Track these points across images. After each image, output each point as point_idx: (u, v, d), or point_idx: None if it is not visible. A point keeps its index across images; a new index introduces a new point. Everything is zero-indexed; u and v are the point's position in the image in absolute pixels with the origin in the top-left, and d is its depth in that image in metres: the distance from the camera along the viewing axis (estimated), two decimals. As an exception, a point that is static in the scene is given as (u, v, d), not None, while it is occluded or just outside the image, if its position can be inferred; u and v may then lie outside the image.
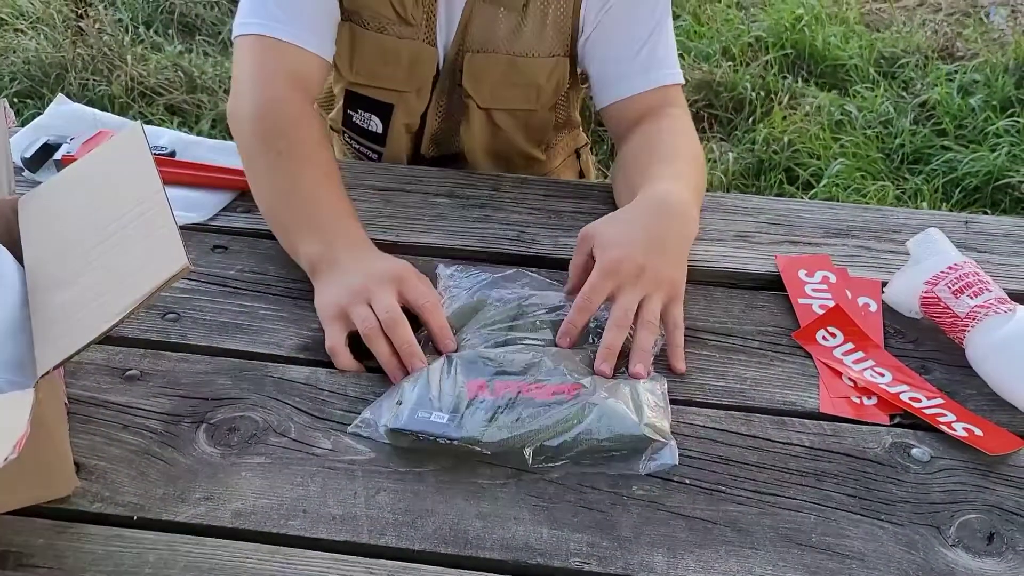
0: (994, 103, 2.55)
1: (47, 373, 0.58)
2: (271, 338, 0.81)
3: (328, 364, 0.78)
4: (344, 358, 0.77)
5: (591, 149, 1.35)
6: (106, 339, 0.60)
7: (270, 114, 0.92)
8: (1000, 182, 2.28)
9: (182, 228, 0.64)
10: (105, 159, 0.75)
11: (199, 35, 3.00)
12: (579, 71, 1.11)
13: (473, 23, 1.03)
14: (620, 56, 1.03)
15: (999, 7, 3.33)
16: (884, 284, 0.87)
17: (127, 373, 0.76)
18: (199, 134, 2.44)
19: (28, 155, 0.99)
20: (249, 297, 0.86)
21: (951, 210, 2.23)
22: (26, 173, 1.00)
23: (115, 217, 0.67)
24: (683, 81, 1.06)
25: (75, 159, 0.98)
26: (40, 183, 0.98)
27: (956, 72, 2.76)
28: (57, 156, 0.99)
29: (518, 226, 0.98)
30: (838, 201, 2.23)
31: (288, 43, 0.95)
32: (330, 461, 0.69)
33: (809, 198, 2.29)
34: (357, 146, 1.18)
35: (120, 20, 2.91)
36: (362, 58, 1.06)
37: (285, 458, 0.69)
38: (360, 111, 1.13)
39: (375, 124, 1.13)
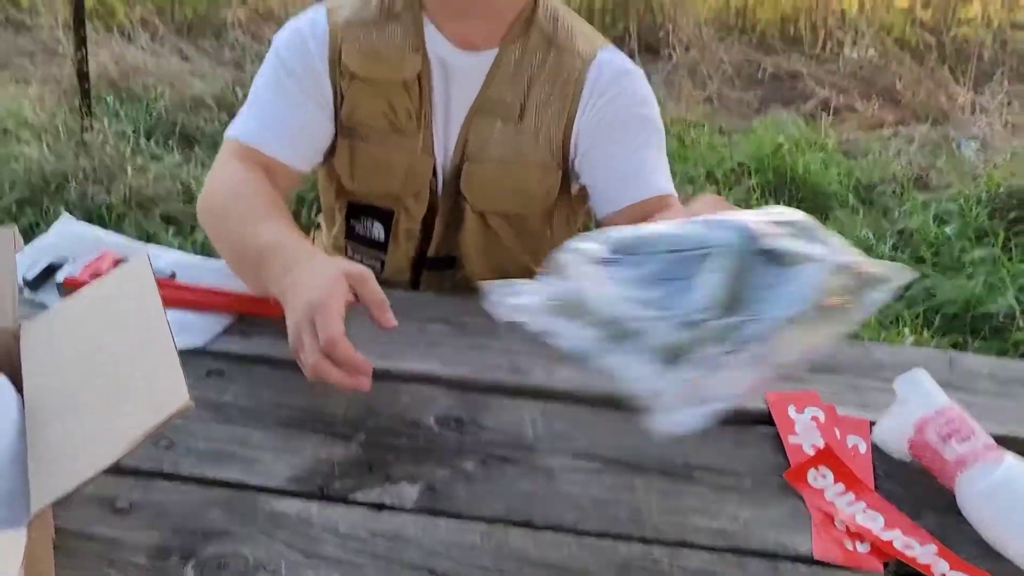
0: (969, 233, 2.64)
1: (40, 511, 0.57)
2: (263, 468, 0.81)
3: (320, 497, 0.78)
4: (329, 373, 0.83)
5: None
6: (101, 474, 0.60)
7: (236, 188, 1.03)
8: (979, 310, 2.33)
9: (179, 352, 0.64)
10: (110, 289, 0.76)
11: (198, 147, 3.08)
12: (573, 187, 1.17)
13: (472, 134, 1.10)
14: (619, 169, 1.10)
15: (969, 140, 3.49)
16: (872, 423, 0.89)
17: (116, 504, 0.75)
18: (194, 243, 2.48)
19: (30, 276, 1.00)
20: (242, 424, 0.86)
21: (932, 337, 2.27)
22: (27, 292, 1.01)
23: (118, 350, 0.68)
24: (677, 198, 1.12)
25: (77, 280, 0.99)
26: (41, 303, 0.99)
27: (932, 201, 2.87)
28: (59, 278, 1.00)
29: (512, 355, 0.99)
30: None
31: (261, 151, 1.07)
32: (319, 602, 0.68)
33: (793, 321, 2.33)
34: (360, 257, 1.21)
35: (123, 132, 2.99)
36: (361, 169, 1.12)
37: (273, 598, 0.68)
38: (362, 219, 1.18)
39: (377, 231, 1.17)
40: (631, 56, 4.73)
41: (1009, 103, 3.86)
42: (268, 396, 0.90)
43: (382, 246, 1.17)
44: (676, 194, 1.11)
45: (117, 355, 0.68)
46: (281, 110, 1.08)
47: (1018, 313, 2.28)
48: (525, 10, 1.10)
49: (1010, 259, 2.52)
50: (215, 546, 0.72)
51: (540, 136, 1.10)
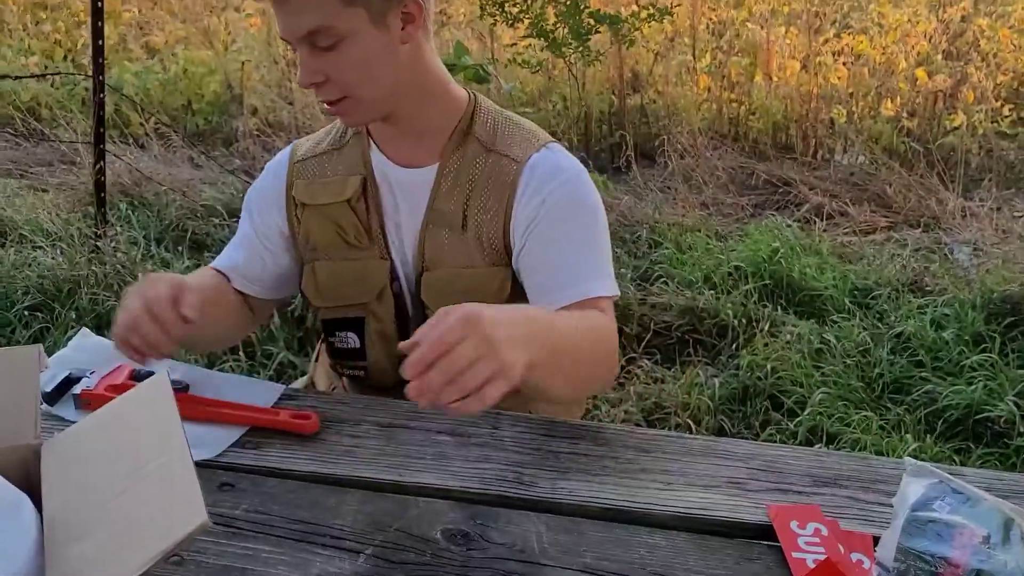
0: (966, 337, 2.66)
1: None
2: (272, 584, 0.81)
3: (328, 614, 0.78)
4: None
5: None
6: (117, 594, 0.61)
7: None
8: (980, 415, 2.34)
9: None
10: (130, 408, 0.79)
11: (207, 252, 3.15)
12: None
13: (427, 246, 1.17)
14: (548, 269, 1.13)
15: (962, 245, 3.57)
16: (876, 539, 0.90)
17: (126, 622, 0.75)
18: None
19: (48, 389, 1.03)
20: (252, 538, 0.87)
21: (935, 442, 2.26)
22: (44, 406, 1.03)
23: (136, 468, 0.70)
24: (616, 294, 1.13)
25: (93, 393, 1.02)
26: (58, 416, 1.02)
27: (927, 305, 2.91)
28: (76, 390, 1.03)
29: (517, 467, 1.01)
30: (823, 436, 2.27)
31: (233, 286, 1.24)
32: None
33: (794, 426, 2.33)
34: (342, 371, 1.28)
35: (135, 239, 3.06)
36: (324, 284, 1.21)
37: None
38: (337, 333, 1.24)
39: (352, 340, 1.23)
40: (627, 163, 4.81)
41: (999, 208, 3.96)
42: (278, 510, 0.91)
43: (360, 353, 1.23)
44: (612, 293, 1.12)
45: (136, 473, 0.70)
46: (241, 252, 1.25)
47: (1018, 419, 2.29)
48: (463, 122, 1.16)
49: (1007, 364, 2.54)
50: (224, 666, 0.72)
51: (483, 241, 1.15)
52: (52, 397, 1.03)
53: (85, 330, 1.19)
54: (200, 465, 0.96)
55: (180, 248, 3.13)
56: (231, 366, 2.33)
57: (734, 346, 2.76)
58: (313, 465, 0.98)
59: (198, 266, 3.15)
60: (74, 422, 0.92)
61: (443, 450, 1.03)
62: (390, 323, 1.21)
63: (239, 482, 0.95)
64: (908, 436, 2.24)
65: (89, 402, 1.01)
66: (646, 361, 2.66)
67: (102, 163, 2.80)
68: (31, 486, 0.75)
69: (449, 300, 1.17)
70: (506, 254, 1.16)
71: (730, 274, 3.17)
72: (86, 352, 1.12)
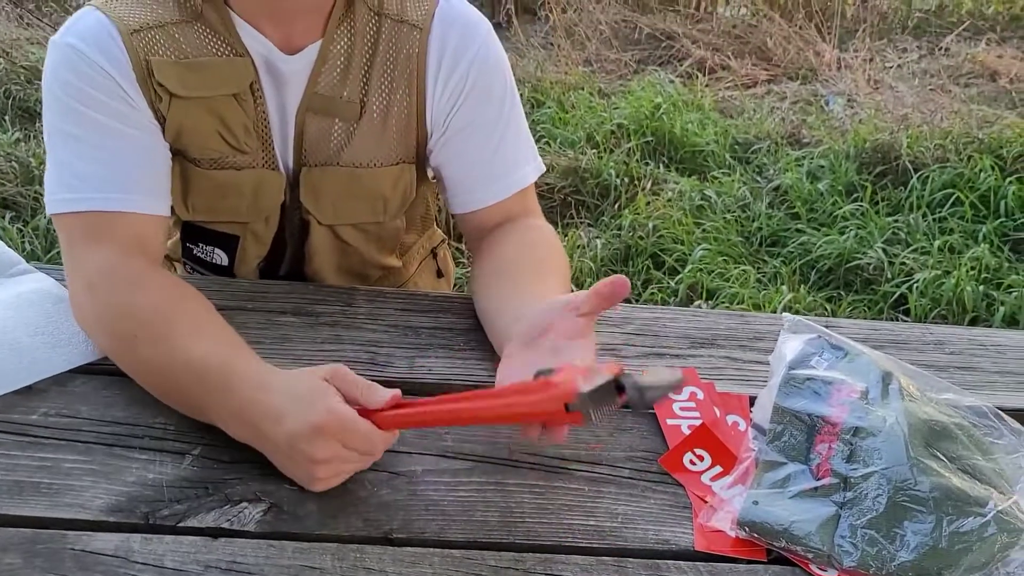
0: (839, 188, 2.70)
1: None
2: (75, 498, 0.70)
3: (143, 529, 0.67)
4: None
5: (447, 242, 1.28)
6: None
7: (117, 312, 0.81)
8: (851, 264, 2.39)
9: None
10: None
11: (39, 121, 2.81)
12: (430, 174, 1.06)
13: (307, 137, 0.94)
14: (474, 161, 0.98)
15: (836, 97, 3.58)
16: (752, 399, 0.85)
17: None
18: (35, 230, 2.26)
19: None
20: (52, 448, 0.74)
21: (808, 292, 2.31)
22: None
23: None
24: (543, 169, 1.03)
25: None
26: None
27: (804, 158, 2.92)
28: None
29: (372, 346, 0.91)
30: (703, 292, 2.27)
31: (118, 213, 0.85)
32: (138, 658, 0.58)
33: (675, 284, 2.32)
34: (203, 275, 1.06)
35: (-52, 107, 2.69)
36: (199, 195, 0.95)
37: (81, 659, 0.58)
38: (201, 244, 1.01)
39: (219, 257, 1.01)
40: (508, 18, 4.58)
41: (871, 59, 3.99)
42: (87, 411, 0.78)
43: (225, 271, 1.03)
44: (542, 170, 1.02)
45: None
46: (112, 154, 0.86)
47: (886, 265, 2.35)
48: None
49: (877, 212, 2.60)
50: (8, 603, 0.61)
51: (389, 129, 0.96)
52: None
53: None
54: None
55: (5, 118, 2.78)
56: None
57: (617, 206, 2.71)
58: (130, 357, 0.85)
59: (28, 139, 2.82)
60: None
61: (286, 332, 0.91)
62: (269, 243, 1.00)
63: (38, 383, 0.81)
64: (783, 287, 2.27)
65: None
66: (527, 225, 2.58)
67: None
68: None
69: (343, 208, 0.98)
70: (416, 146, 0.98)
71: (613, 132, 3.09)
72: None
